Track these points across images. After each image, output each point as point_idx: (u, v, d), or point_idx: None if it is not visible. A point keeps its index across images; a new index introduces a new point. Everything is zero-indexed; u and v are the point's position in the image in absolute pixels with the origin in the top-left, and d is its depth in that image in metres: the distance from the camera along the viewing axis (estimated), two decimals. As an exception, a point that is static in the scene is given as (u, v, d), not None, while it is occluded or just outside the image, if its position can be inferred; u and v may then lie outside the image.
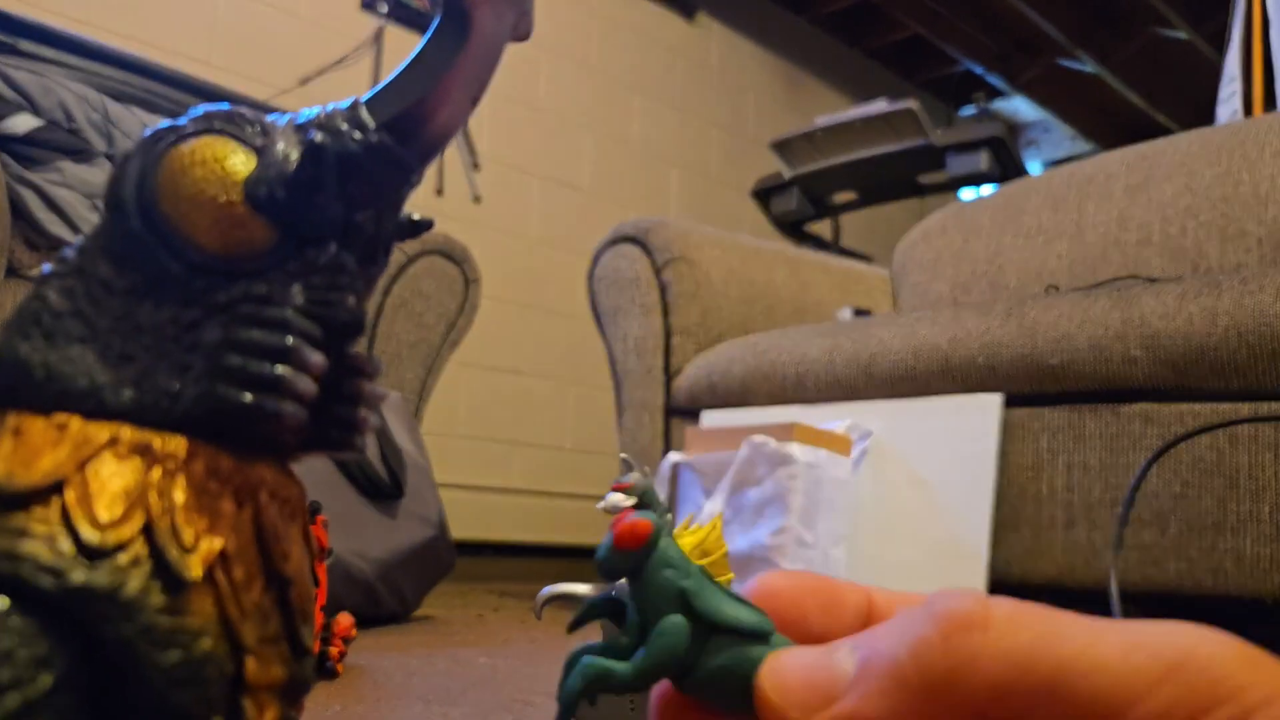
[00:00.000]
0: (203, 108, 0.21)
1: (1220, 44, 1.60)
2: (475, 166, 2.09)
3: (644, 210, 2.56)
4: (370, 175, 0.21)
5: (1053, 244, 1.33)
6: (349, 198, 0.21)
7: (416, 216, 0.23)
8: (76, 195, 1.31)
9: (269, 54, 2.03)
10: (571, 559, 2.25)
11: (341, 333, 0.21)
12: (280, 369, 0.19)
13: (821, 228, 2.59)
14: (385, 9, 2.12)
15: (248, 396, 0.19)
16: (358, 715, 0.69)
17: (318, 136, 0.20)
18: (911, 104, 2.13)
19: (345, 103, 0.21)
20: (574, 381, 2.50)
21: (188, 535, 0.19)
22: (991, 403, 1.03)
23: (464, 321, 1.71)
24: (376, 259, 0.22)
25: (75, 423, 0.19)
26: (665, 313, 1.44)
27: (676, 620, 0.18)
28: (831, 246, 2.51)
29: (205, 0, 1.98)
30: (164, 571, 0.19)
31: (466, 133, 2.23)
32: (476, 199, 2.12)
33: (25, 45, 1.39)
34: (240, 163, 0.20)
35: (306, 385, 0.20)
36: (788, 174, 2.33)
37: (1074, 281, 1.26)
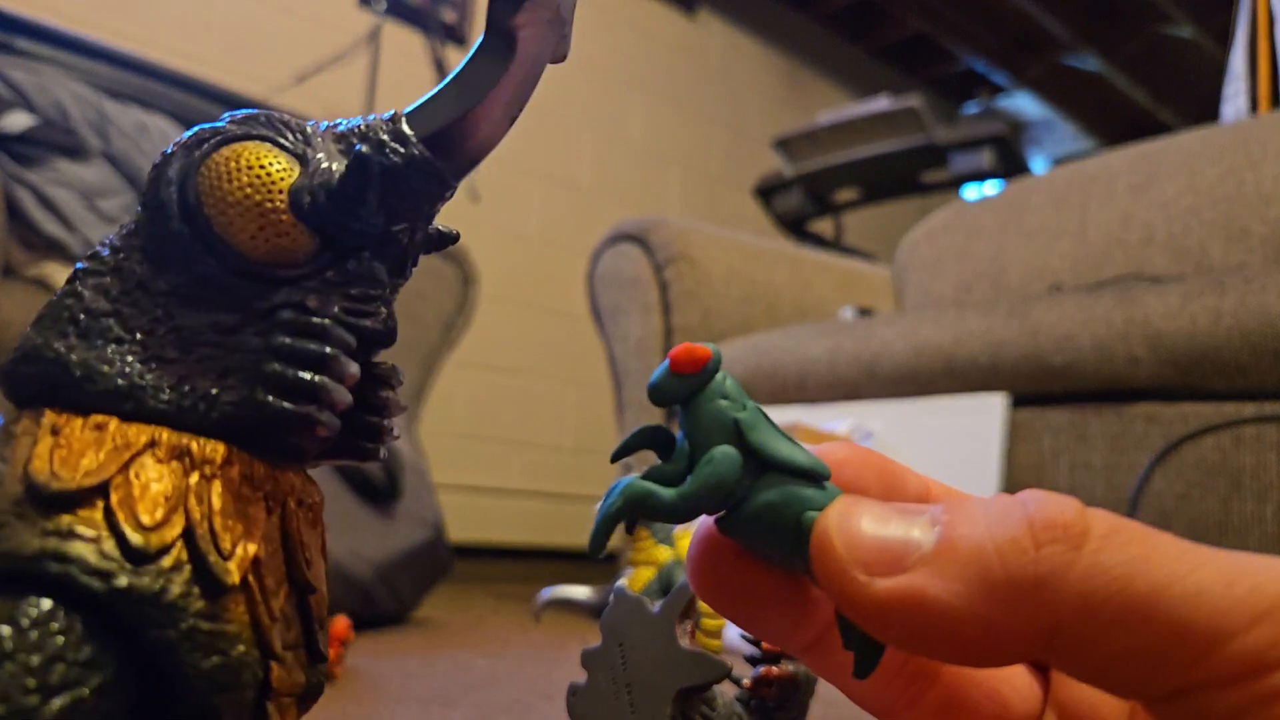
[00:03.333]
0: (241, 111, 0.21)
1: (1225, 41, 1.59)
2: (475, 165, 2.09)
3: (644, 209, 2.55)
4: (411, 189, 0.21)
5: (1056, 243, 1.32)
6: (389, 210, 0.21)
7: (444, 228, 0.23)
8: (72, 194, 1.31)
9: (266, 51, 2.02)
10: (571, 561, 2.24)
11: (373, 343, 0.21)
12: (319, 378, 0.20)
13: (823, 226, 2.58)
14: (383, 6, 2.11)
15: (287, 404, 0.19)
16: (356, 718, 0.68)
17: (363, 149, 0.20)
18: (914, 102, 2.12)
19: (387, 114, 0.21)
20: (573, 381, 2.49)
21: (225, 541, 0.19)
22: (996, 402, 1.02)
23: (462, 321, 1.70)
24: (405, 270, 0.22)
25: (114, 424, 0.19)
26: (666, 312, 1.43)
27: (727, 450, 0.17)
28: (834, 245, 2.50)
29: (203, -2, 1.98)
30: (204, 576, 0.19)
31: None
32: (475, 198, 2.11)
33: (21, 43, 1.38)
34: (284, 170, 0.21)
35: (343, 395, 0.20)
36: (789, 172, 2.32)
37: (1077, 281, 1.25)
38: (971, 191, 2.31)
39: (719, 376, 0.18)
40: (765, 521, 0.17)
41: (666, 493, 0.17)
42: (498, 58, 0.21)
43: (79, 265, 0.21)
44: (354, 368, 0.20)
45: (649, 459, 0.19)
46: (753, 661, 0.34)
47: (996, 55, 3.23)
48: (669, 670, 0.31)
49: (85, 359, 0.19)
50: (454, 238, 0.23)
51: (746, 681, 0.34)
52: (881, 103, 2.17)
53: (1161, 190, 1.24)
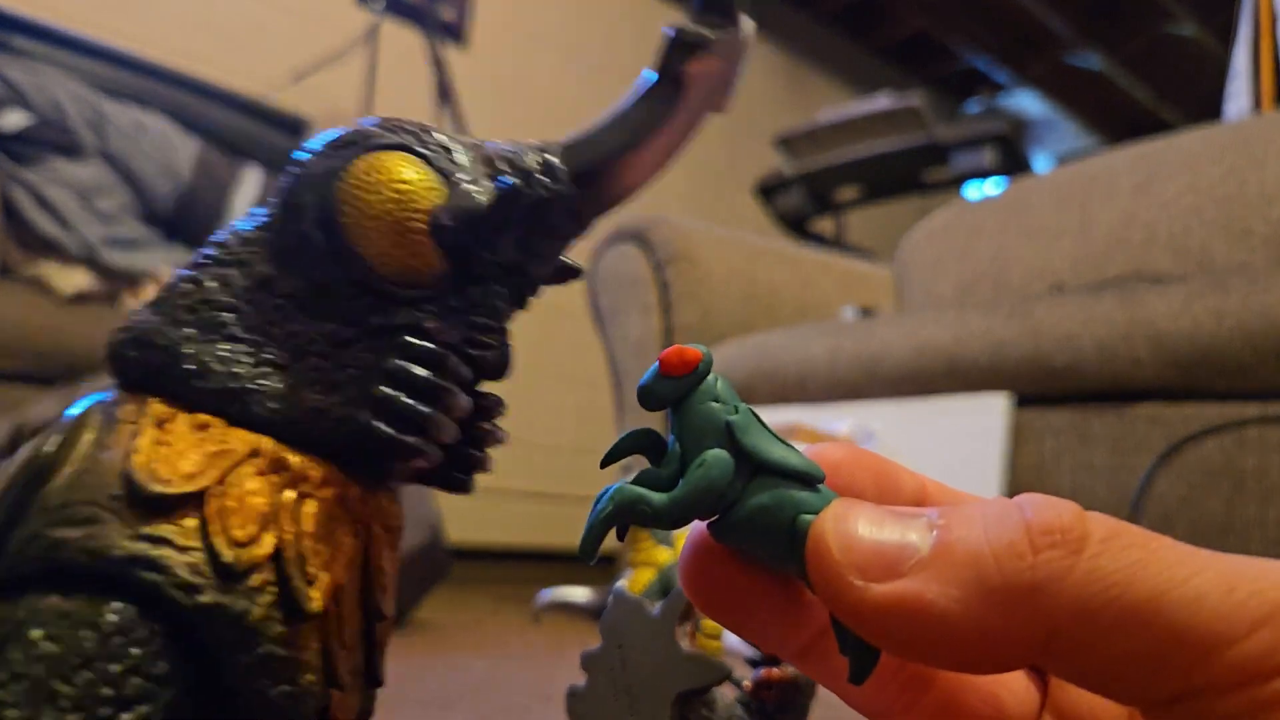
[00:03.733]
0: (380, 118, 0.21)
1: (1227, 40, 1.59)
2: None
3: (644, 208, 2.54)
4: (552, 225, 0.20)
5: (1057, 243, 1.32)
6: (525, 243, 0.20)
7: (571, 262, 0.22)
8: (69, 193, 1.30)
9: (263, 50, 2.02)
10: (570, 563, 2.23)
11: (487, 375, 0.21)
12: (430, 409, 0.19)
13: (824, 225, 2.58)
14: (381, 4, 2.10)
15: (394, 431, 0.19)
16: (351, 722, 0.68)
17: (514, 180, 0.20)
18: (915, 100, 2.12)
19: (539, 145, 0.20)
20: (573, 381, 2.49)
21: (313, 565, 0.18)
22: (997, 403, 1.01)
23: (462, 320, 1.70)
24: (524, 302, 0.22)
25: (218, 426, 0.18)
26: (666, 312, 1.43)
27: (719, 453, 0.17)
28: (835, 244, 2.49)
29: (201, -4, 1.97)
30: (286, 600, 0.18)
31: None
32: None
33: (19, 42, 1.38)
34: (428, 188, 0.20)
35: (451, 430, 0.19)
36: (790, 171, 2.32)
37: (1079, 281, 1.25)
38: (973, 190, 2.31)
39: (710, 378, 0.17)
40: (759, 525, 0.16)
41: (657, 497, 0.17)
42: (663, 102, 0.20)
43: (202, 251, 0.20)
44: (465, 401, 0.20)
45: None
46: (753, 663, 0.33)
47: (998, 53, 3.23)
48: (669, 673, 0.31)
49: (198, 352, 0.19)
50: (578, 271, 0.22)
51: (747, 684, 0.33)
52: (883, 101, 2.16)
53: (1163, 189, 1.23)
